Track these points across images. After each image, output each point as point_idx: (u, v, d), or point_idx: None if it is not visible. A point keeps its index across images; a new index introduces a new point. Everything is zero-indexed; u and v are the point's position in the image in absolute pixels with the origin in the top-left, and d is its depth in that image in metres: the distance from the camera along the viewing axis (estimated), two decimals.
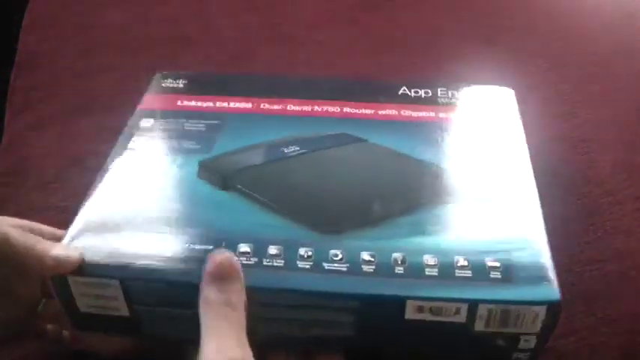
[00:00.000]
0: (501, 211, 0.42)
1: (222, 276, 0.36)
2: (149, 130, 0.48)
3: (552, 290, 0.37)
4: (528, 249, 0.40)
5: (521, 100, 0.52)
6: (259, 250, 0.39)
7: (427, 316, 0.37)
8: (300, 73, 0.66)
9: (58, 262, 0.38)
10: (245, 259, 0.38)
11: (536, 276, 0.38)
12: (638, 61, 0.64)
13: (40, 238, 0.39)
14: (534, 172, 0.45)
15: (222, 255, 0.37)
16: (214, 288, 0.36)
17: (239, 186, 0.44)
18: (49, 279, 0.38)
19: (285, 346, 0.40)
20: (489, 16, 0.70)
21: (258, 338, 0.35)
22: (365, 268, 0.38)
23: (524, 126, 0.49)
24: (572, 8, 0.70)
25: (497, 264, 0.38)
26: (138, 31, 0.73)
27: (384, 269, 0.38)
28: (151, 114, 0.50)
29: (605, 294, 0.47)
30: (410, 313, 0.37)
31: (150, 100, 0.51)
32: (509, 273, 0.38)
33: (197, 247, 0.39)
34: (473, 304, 0.37)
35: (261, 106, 0.51)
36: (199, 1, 0.77)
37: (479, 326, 0.37)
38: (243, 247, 0.39)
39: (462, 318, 0.37)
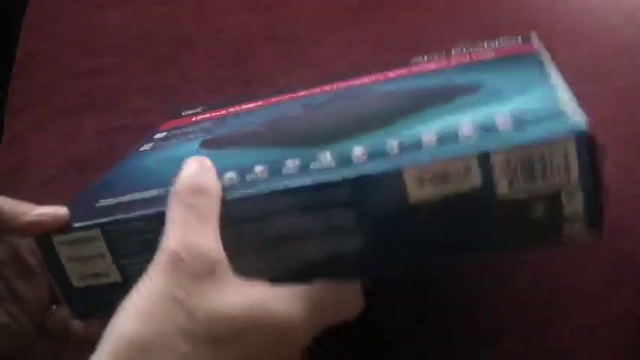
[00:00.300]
0: (517, 99, 0.36)
1: (192, 167, 0.35)
2: (162, 137, 0.50)
3: (577, 121, 0.31)
4: (544, 101, 0.34)
5: None
6: (244, 171, 0.37)
7: (434, 191, 0.32)
8: (300, 73, 0.66)
9: (44, 216, 0.37)
10: (228, 181, 0.37)
11: (554, 114, 0.32)
12: (638, 61, 0.63)
13: (24, 202, 0.38)
14: None
15: (194, 157, 0.36)
16: (182, 179, 0.34)
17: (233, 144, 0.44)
18: (38, 244, 0.38)
19: (293, 278, 0.34)
20: (490, 17, 0.70)
21: (259, 271, 0.32)
22: (356, 159, 0.35)
23: None
24: (572, 8, 0.70)
25: (508, 118, 0.33)
26: (138, 31, 0.73)
27: (378, 154, 0.34)
28: (166, 130, 0.52)
29: (606, 294, 0.47)
30: (413, 192, 0.32)
31: (168, 123, 0.54)
32: (523, 121, 0.32)
33: None
34: (483, 156, 0.31)
35: (272, 100, 0.52)
36: (199, 1, 0.77)
37: (502, 188, 0.31)
38: (229, 174, 0.37)
39: (476, 179, 0.31)
